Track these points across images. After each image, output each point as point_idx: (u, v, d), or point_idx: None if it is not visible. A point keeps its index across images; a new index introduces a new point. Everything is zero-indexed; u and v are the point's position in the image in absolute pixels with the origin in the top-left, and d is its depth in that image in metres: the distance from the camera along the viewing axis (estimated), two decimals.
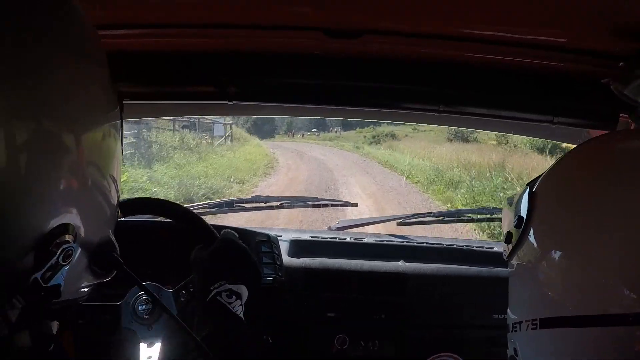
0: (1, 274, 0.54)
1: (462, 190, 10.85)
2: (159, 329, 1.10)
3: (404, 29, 1.07)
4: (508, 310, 0.86)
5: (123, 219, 0.99)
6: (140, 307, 1.11)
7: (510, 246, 0.82)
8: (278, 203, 2.01)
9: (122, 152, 0.77)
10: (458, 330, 1.61)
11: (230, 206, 2.00)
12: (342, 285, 1.58)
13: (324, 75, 1.23)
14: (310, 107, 1.56)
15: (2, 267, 0.54)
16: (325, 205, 2.11)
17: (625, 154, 0.75)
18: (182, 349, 0.87)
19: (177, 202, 1.21)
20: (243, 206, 2.01)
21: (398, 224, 1.95)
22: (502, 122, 1.51)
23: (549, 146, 13.73)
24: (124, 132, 0.88)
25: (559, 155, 0.92)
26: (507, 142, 17.54)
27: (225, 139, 21.01)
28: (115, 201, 0.75)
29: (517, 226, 0.79)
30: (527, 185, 0.83)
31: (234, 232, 1.04)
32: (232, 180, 11.87)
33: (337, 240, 1.74)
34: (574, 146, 0.84)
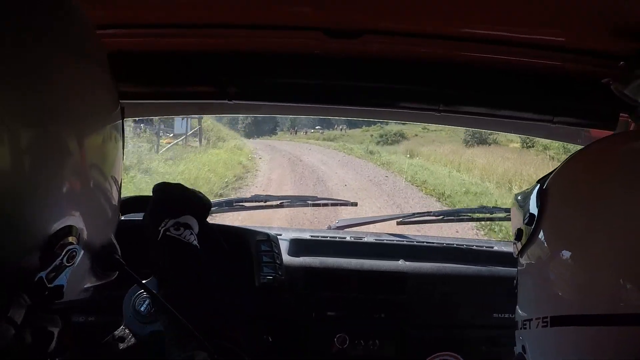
0: (7, 273, 0.55)
1: None
2: (153, 330, 1.10)
3: (403, 28, 1.07)
4: (517, 307, 0.86)
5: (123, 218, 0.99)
6: (140, 306, 1.11)
7: (520, 244, 0.82)
8: (278, 202, 2.01)
9: (123, 152, 0.77)
10: (458, 329, 1.61)
11: (230, 205, 2.00)
12: (342, 285, 1.58)
13: (324, 75, 1.23)
14: (310, 106, 1.56)
15: (7, 266, 0.55)
16: (325, 205, 2.11)
17: (634, 155, 0.75)
18: (182, 343, 0.86)
19: None
20: (243, 205, 2.01)
21: (398, 223, 1.95)
22: (501, 122, 1.51)
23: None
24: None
25: None
26: (533, 146, 16.02)
27: (185, 138, 17.02)
28: (116, 202, 0.75)
29: (528, 223, 0.78)
30: (538, 182, 0.83)
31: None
32: None
33: (337, 239, 1.74)
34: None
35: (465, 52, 1.16)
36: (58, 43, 0.58)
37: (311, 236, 1.74)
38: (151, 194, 1.00)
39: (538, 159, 14.42)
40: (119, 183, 0.74)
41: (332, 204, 2.16)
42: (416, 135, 24.54)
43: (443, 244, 1.77)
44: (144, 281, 1.12)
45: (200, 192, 1.03)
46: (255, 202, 2.04)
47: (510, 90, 1.24)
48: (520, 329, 0.82)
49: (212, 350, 0.78)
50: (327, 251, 1.67)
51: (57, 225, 0.58)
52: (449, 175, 12.34)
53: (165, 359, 0.83)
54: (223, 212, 2.04)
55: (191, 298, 0.87)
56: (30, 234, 0.56)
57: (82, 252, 0.64)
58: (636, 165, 0.71)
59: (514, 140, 17.46)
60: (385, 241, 1.77)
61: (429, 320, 1.61)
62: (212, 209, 1.95)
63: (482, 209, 2.14)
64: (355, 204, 2.21)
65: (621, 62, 1.04)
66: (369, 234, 1.84)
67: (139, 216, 1.40)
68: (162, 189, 1.00)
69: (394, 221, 1.97)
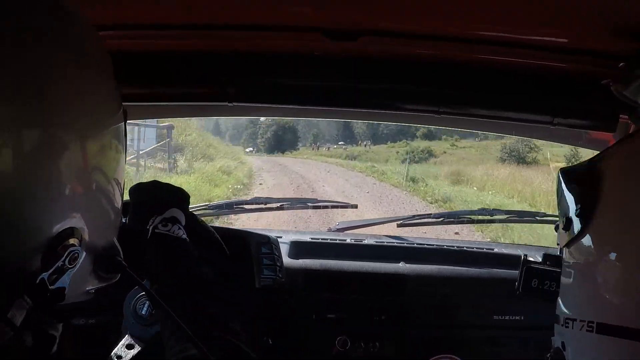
0: (8, 273, 0.54)
1: None
2: (158, 331, 1.10)
3: (403, 29, 1.07)
4: (559, 300, 0.80)
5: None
6: (141, 308, 1.11)
7: (567, 234, 0.75)
8: (278, 204, 2.01)
9: (125, 154, 0.77)
10: (458, 331, 1.61)
11: (230, 207, 2.00)
12: (342, 287, 1.58)
13: (324, 76, 1.23)
14: (310, 108, 1.56)
15: (8, 267, 0.54)
16: (326, 207, 2.11)
17: None
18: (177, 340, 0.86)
19: None
20: (243, 207, 2.01)
21: (398, 225, 1.95)
22: (501, 124, 1.51)
23: None
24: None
25: None
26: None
27: (147, 156, 12.48)
28: (119, 205, 0.74)
29: (579, 215, 0.72)
30: (589, 161, 0.75)
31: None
32: None
33: (338, 241, 1.74)
34: None
35: (464, 53, 1.16)
36: (58, 43, 0.57)
37: (311, 238, 1.74)
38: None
39: None
40: (122, 185, 0.74)
41: (333, 207, 2.16)
42: (444, 152, 22.53)
43: (443, 246, 1.77)
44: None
45: (170, 184, 1.02)
46: (256, 204, 2.04)
47: (510, 91, 1.24)
48: (562, 325, 0.77)
49: (204, 349, 0.77)
50: (328, 253, 1.66)
51: (59, 227, 0.58)
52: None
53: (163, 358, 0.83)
54: (223, 214, 2.03)
55: (186, 292, 0.87)
56: (31, 235, 0.55)
57: (84, 254, 0.64)
58: None
59: (558, 155, 14.63)
60: (385, 243, 1.76)
61: (429, 322, 1.61)
62: (212, 211, 1.96)
63: (483, 210, 2.14)
64: (355, 207, 2.21)
65: (621, 63, 1.04)
66: (369, 236, 1.83)
67: None
68: (139, 189, 1.00)
69: (394, 223, 1.97)
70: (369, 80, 1.24)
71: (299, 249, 1.67)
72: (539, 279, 1.09)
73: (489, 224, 6.62)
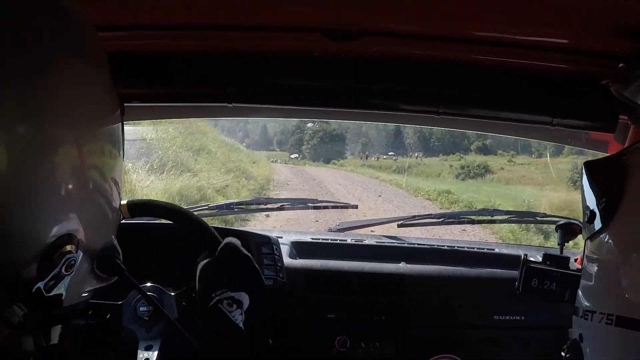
0: (3, 281, 0.54)
1: None
2: (158, 331, 1.10)
3: (403, 30, 1.07)
4: (579, 292, 0.80)
5: (127, 220, 0.99)
6: (141, 309, 1.11)
7: (590, 227, 0.75)
8: (278, 205, 2.01)
9: (123, 154, 0.77)
10: (459, 331, 1.61)
11: (230, 208, 2.00)
12: (342, 287, 1.58)
13: (324, 77, 1.23)
14: (310, 109, 1.56)
15: (4, 274, 0.54)
16: (326, 207, 2.10)
17: None
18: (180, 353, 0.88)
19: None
20: (243, 208, 2.01)
21: (399, 226, 1.94)
22: (501, 124, 1.51)
23: None
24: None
25: None
26: None
27: None
28: (117, 204, 0.74)
29: (604, 208, 0.71)
30: (616, 156, 0.75)
31: (236, 240, 1.04)
32: None
33: (338, 241, 1.74)
34: None
35: (464, 53, 1.16)
36: (57, 43, 0.58)
37: (312, 239, 1.74)
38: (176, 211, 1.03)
39: None
40: (120, 185, 0.74)
41: (333, 207, 2.16)
42: (502, 168, 20.24)
43: (444, 246, 1.77)
44: (148, 284, 1.12)
45: (260, 272, 1.04)
46: (256, 204, 2.04)
47: (510, 91, 1.24)
48: (581, 317, 0.77)
49: None
50: (328, 254, 1.66)
51: (56, 230, 0.58)
52: None
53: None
54: (223, 214, 2.03)
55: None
56: (28, 238, 0.55)
57: (81, 257, 0.64)
58: None
59: None
60: (386, 244, 1.76)
61: (429, 323, 1.61)
62: (213, 211, 1.96)
63: (483, 211, 2.13)
64: (355, 207, 2.21)
65: (621, 64, 1.04)
66: (370, 236, 1.83)
67: (140, 218, 1.39)
68: (233, 254, 1.00)
69: (395, 223, 1.97)
70: (368, 80, 1.24)
71: (300, 249, 1.67)
72: (539, 279, 1.09)
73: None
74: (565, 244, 1.26)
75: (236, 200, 2.12)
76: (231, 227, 1.53)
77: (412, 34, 1.07)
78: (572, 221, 1.32)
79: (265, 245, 1.53)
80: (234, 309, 0.93)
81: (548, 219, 1.99)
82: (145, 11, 1.02)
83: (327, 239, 1.75)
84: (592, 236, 0.77)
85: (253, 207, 2.06)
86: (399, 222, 1.95)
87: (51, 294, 0.59)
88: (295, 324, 1.56)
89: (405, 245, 1.77)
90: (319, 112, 1.73)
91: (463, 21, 1.01)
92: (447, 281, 1.60)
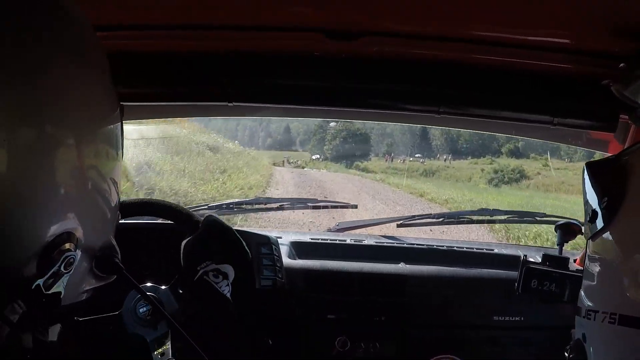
0: (3, 280, 0.54)
1: None
2: (164, 326, 1.10)
3: (403, 30, 1.07)
4: (581, 292, 0.80)
5: (125, 220, 1.00)
6: (141, 310, 1.11)
7: (592, 226, 0.75)
8: (278, 205, 2.00)
9: (122, 153, 0.77)
10: (459, 331, 1.61)
11: (230, 208, 2.00)
12: (342, 287, 1.58)
13: (324, 77, 1.23)
14: (310, 108, 1.56)
15: (4, 273, 0.54)
16: (326, 207, 2.10)
17: None
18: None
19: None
20: (243, 208, 2.01)
21: (398, 226, 1.94)
22: (501, 124, 1.51)
23: None
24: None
25: None
26: None
27: None
28: (116, 204, 0.74)
29: (606, 208, 0.72)
30: (617, 156, 0.75)
31: (216, 216, 1.05)
32: None
33: (338, 242, 1.74)
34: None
35: (465, 53, 1.16)
36: (57, 43, 0.57)
37: (311, 239, 1.74)
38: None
39: None
40: (118, 184, 0.74)
41: (333, 207, 2.15)
42: (538, 173, 18.40)
43: (443, 246, 1.77)
44: (148, 284, 1.12)
45: (243, 242, 1.04)
46: (256, 204, 2.03)
47: (510, 91, 1.24)
48: (584, 317, 0.77)
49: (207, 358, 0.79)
50: (328, 254, 1.66)
51: (55, 229, 0.58)
52: None
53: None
54: (222, 214, 2.03)
55: (210, 342, 0.90)
56: (27, 240, 0.55)
57: (79, 255, 0.63)
58: None
59: None
60: (385, 244, 1.76)
61: (429, 323, 1.61)
62: (212, 211, 1.96)
63: (483, 211, 2.14)
64: (355, 207, 2.21)
65: (621, 64, 1.04)
66: (370, 236, 1.83)
67: (139, 218, 1.39)
68: (213, 227, 1.01)
69: (394, 224, 1.96)
70: (369, 80, 1.24)
71: (299, 249, 1.67)
72: (538, 279, 1.09)
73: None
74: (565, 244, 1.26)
75: (236, 200, 2.12)
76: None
77: (412, 34, 1.07)
78: (572, 221, 1.32)
79: (265, 245, 1.53)
80: (219, 280, 0.94)
81: (548, 219, 1.99)
82: (145, 11, 1.02)
83: (327, 239, 1.74)
84: (594, 236, 0.77)
85: (253, 206, 2.05)
86: (399, 222, 1.95)
87: (50, 291, 0.59)
88: (295, 324, 1.56)
89: (405, 245, 1.77)
90: (319, 112, 1.73)
91: (463, 21, 1.01)
92: (447, 281, 1.60)
